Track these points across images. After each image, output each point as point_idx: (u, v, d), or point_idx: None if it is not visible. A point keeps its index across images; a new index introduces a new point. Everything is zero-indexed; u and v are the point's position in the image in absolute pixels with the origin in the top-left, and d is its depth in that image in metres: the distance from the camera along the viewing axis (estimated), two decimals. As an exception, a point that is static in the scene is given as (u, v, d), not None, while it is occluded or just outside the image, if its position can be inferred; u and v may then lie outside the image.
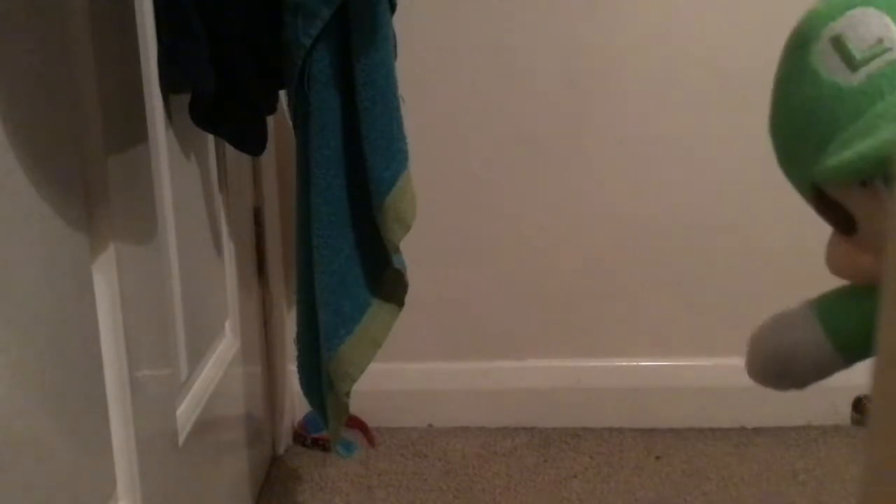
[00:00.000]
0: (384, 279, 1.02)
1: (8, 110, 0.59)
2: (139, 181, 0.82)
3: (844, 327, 0.64)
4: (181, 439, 0.94)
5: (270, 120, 1.13)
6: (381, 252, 0.99)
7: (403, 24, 1.00)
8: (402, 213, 0.96)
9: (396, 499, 1.32)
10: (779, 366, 0.69)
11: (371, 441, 1.47)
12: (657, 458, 1.42)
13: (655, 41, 1.37)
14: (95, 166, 0.73)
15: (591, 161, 1.42)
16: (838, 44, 0.58)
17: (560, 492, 1.33)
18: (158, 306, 0.89)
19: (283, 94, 1.04)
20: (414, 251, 1.08)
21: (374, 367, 1.02)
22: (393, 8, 0.94)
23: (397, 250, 1.00)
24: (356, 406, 1.11)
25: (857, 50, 0.57)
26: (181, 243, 0.96)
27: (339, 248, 0.97)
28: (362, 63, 0.90)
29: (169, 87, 0.92)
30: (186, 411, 0.99)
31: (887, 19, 0.57)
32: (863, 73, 0.57)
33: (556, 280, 1.47)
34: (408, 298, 1.04)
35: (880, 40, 0.56)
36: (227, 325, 1.19)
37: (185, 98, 0.95)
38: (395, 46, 0.95)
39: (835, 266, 0.64)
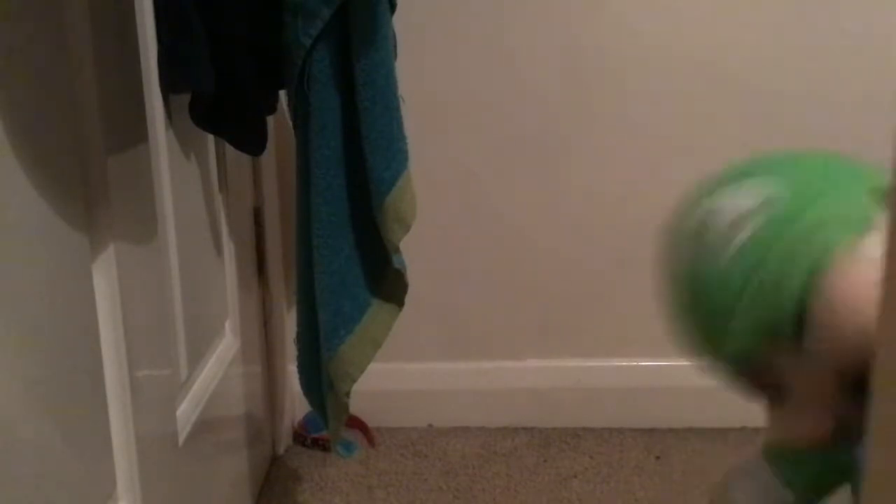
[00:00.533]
0: (384, 279, 1.02)
1: (8, 110, 0.59)
2: (139, 181, 0.82)
3: (802, 479, 0.65)
4: (181, 439, 0.94)
5: (270, 120, 1.13)
6: (381, 252, 0.99)
7: (403, 24, 1.00)
8: (402, 213, 0.96)
9: (396, 499, 1.32)
10: None
11: (371, 441, 1.47)
12: (657, 458, 1.42)
13: (655, 41, 1.37)
14: (95, 166, 0.73)
15: (591, 161, 1.42)
16: (700, 234, 0.61)
17: (560, 492, 1.33)
18: (158, 306, 0.89)
19: (283, 94, 1.04)
20: (414, 251, 1.07)
21: (374, 367, 1.02)
22: (393, 8, 0.94)
23: (397, 250, 1.00)
24: (356, 406, 1.11)
25: (717, 238, 0.59)
26: (181, 243, 0.96)
27: (339, 248, 0.97)
28: (362, 63, 0.90)
29: (169, 87, 0.92)
30: (186, 411, 0.99)
31: (740, 198, 0.59)
32: (725, 257, 0.59)
33: (556, 280, 1.47)
34: (408, 298, 1.04)
35: (736, 221, 0.58)
36: (227, 325, 1.19)
37: (185, 98, 0.95)
38: (395, 46, 0.95)
39: (780, 442, 0.65)
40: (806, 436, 0.63)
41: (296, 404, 1.47)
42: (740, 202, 0.59)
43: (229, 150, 1.13)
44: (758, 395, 0.66)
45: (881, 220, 0.54)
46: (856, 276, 0.54)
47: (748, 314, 0.58)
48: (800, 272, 0.56)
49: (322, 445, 1.44)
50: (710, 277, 0.60)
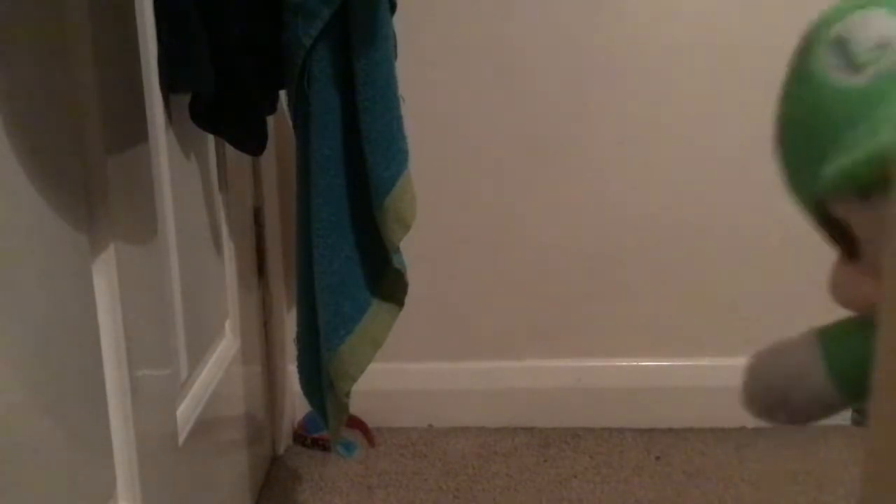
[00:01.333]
0: (384, 279, 1.02)
1: (8, 111, 0.59)
2: (139, 181, 0.82)
3: (846, 363, 0.62)
4: (181, 439, 0.94)
5: (270, 120, 1.13)
6: (381, 252, 0.99)
7: (403, 24, 1.00)
8: (402, 213, 0.96)
9: (396, 499, 1.32)
10: (776, 395, 0.69)
11: (371, 441, 1.47)
12: (657, 458, 1.42)
13: (656, 40, 1.37)
14: (95, 166, 0.73)
15: (591, 161, 1.42)
16: (841, 46, 0.55)
17: (560, 492, 1.33)
18: (158, 306, 0.89)
19: (283, 94, 1.04)
20: (414, 251, 1.08)
21: (374, 367, 1.03)
22: (393, 8, 0.94)
23: (397, 250, 1.00)
24: (356, 406, 1.11)
25: (861, 51, 0.54)
26: (181, 243, 0.96)
27: (339, 248, 0.97)
28: (362, 63, 0.90)
29: (169, 87, 0.92)
30: (186, 411, 0.99)
31: (895, 21, 0.54)
32: (865, 74, 0.54)
33: (556, 280, 1.47)
34: (408, 298, 1.04)
35: (886, 42, 0.54)
36: (227, 325, 1.19)
37: (185, 98, 0.95)
38: (395, 46, 0.95)
39: (837, 294, 0.62)
40: (866, 298, 0.59)
41: (296, 404, 1.47)
42: (883, 27, 0.55)
43: (229, 150, 1.13)
44: (834, 246, 0.61)
45: None
46: None
47: (850, 150, 0.53)
48: None
49: (322, 445, 1.44)
50: (835, 90, 0.56)
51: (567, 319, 1.49)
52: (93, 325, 0.74)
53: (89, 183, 0.72)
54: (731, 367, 1.64)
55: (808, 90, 0.58)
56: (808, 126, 0.58)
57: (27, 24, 0.62)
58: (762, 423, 1.50)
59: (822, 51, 0.56)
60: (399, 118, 0.95)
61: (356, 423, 1.47)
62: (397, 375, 1.49)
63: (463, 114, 1.40)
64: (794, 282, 1.45)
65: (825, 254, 0.69)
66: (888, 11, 0.54)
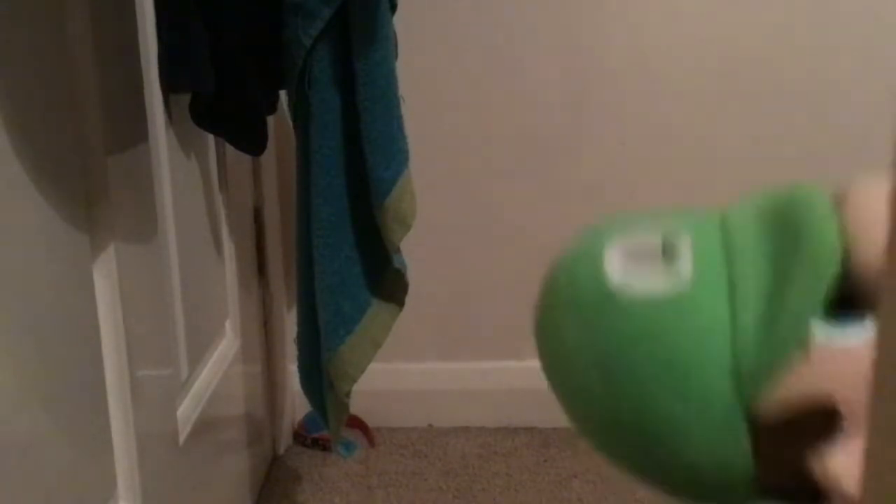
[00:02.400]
0: (384, 279, 1.02)
1: (9, 110, 0.59)
2: (139, 181, 0.82)
3: None
4: (181, 439, 0.94)
5: (270, 120, 1.13)
6: (381, 252, 0.99)
7: (403, 24, 1.00)
8: (402, 213, 0.96)
9: (396, 499, 1.32)
10: None
11: (371, 441, 1.47)
12: (657, 458, 1.42)
13: (656, 41, 1.37)
14: (95, 166, 0.73)
15: (591, 161, 1.42)
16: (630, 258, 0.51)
17: (560, 492, 1.33)
18: (158, 306, 0.89)
19: (283, 94, 1.04)
20: (414, 251, 1.07)
21: (374, 367, 1.02)
22: (393, 8, 0.94)
23: (397, 250, 1.00)
24: (356, 406, 1.11)
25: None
26: (181, 243, 0.96)
27: (339, 248, 0.97)
28: (362, 63, 0.90)
29: (169, 87, 0.92)
30: (186, 411, 0.99)
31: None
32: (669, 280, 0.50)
33: (556, 280, 1.47)
34: (408, 298, 1.04)
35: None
36: (227, 324, 1.19)
37: (185, 98, 0.95)
38: (395, 46, 0.95)
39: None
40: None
41: (296, 404, 1.47)
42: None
43: (229, 150, 1.13)
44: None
45: None
46: None
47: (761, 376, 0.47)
48: None
49: (322, 445, 1.44)
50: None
51: (567, 319, 1.49)
52: (93, 325, 0.74)
53: (89, 183, 0.72)
54: (731, 367, 1.63)
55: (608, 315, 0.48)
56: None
57: (27, 24, 0.62)
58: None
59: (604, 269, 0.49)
60: (399, 118, 0.95)
61: (356, 423, 1.47)
62: (397, 375, 1.49)
63: (463, 114, 1.40)
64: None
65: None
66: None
